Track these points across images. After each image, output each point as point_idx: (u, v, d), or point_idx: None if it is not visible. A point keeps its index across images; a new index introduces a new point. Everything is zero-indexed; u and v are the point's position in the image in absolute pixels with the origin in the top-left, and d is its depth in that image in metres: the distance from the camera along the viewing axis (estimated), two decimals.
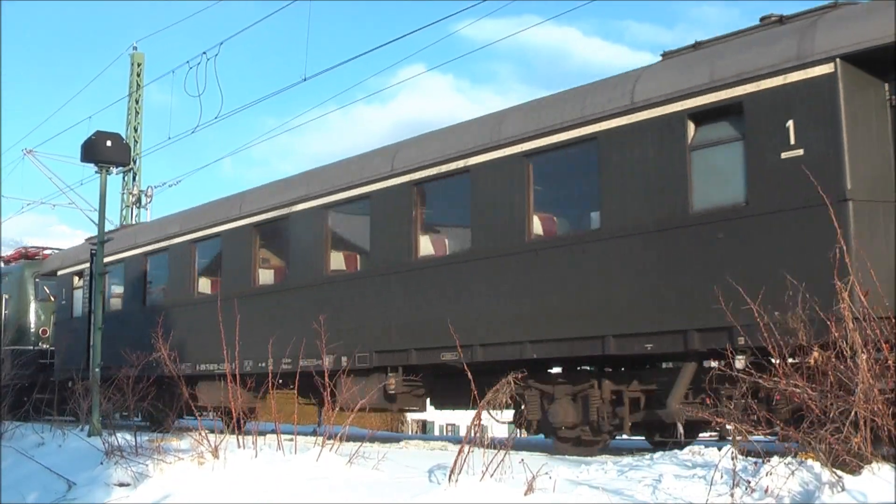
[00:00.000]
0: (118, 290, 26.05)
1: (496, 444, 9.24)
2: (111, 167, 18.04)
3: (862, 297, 8.07)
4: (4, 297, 31.24)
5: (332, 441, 11.00)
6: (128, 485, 10.65)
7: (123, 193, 42.20)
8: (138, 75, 43.14)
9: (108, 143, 17.21)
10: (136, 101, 43.19)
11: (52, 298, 30.16)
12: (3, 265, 34.41)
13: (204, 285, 22.63)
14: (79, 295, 26.93)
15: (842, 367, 7.90)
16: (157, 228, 25.14)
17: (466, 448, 9.05)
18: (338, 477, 9.97)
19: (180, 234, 23.10)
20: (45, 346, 30.44)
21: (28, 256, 33.30)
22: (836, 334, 8.02)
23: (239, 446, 11.05)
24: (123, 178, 41.82)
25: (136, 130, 42.99)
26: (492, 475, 8.77)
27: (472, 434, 9.44)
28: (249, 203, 20.92)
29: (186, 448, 11.34)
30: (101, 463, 11.66)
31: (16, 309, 31.21)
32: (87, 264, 24.72)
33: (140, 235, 25.56)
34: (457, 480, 8.77)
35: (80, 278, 27.15)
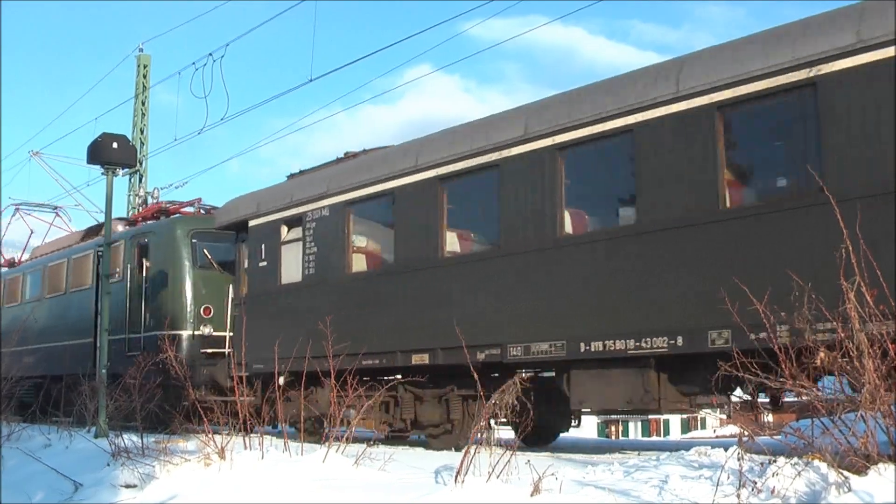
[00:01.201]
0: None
1: (502, 446, 9.25)
2: (117, 169, 18.09)
3: (868, 298, 8.05)
4: (146, 265, 23.50)
5: (338, 442, 11.01)
6: (134, 486, 10.68)
7: (129, 195, 42.26)
8: (144, 77, 43.20)
9: (115, 145, 17.27)
10: (143, 103, 43.25)
11: (214, 265, 22.88)
12: (136, 225, 26.33)
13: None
14: (293, 253, 18.72)
15: (848, 367, 7.90)
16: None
17: (473, 449, 9.05)
18: (344, 478, 9.98)
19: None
20: (208, 329, 22.26)
21: (169, 213, 25.61)
22: (843, 334, 8.02)
23: (245, 447, 11.07)
24: (129, 179, 41.89)
25: (142, 132, 43.05)
26: (498, 476, 8.78)
27: (479, 435, 9.45)
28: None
29: (193, 449, 11.36)
30: (108, 464, 11.69)
31: (163, 281, 23.01)
32: (310, 207, 18.24)
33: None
34: (463, 481, 8.78)
35: (292, 228, 18.88)
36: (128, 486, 10.74)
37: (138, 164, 39.25)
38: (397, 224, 16.26)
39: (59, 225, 36.80)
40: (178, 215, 25.04)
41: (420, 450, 16.25)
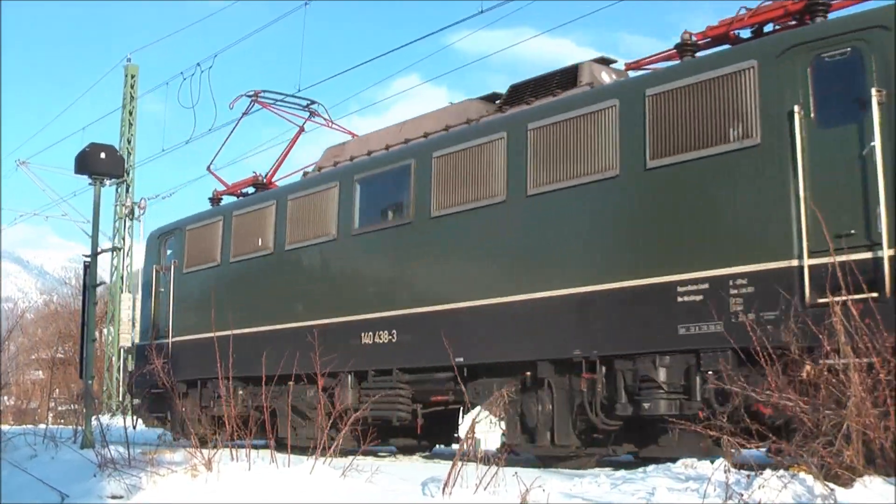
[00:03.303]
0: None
1: (490, 458, 9.26)
2: (105, 179, 18.03)
3: (855, 313, 8.12)
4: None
5: (326, 454, 11.01)
6: (121, 497, 10.64)
7: (116, 205, 42.24)
8: (132, 87, 43.25)
9: (102, 155, 17.18)
10: (130, 113, 43.29)
11: None
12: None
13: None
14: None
15: (834, 380, 7.96)
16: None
17: (460, 461, 9.06)
18: (331, 489, 9.98)
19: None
20: None
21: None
22: (829, 348, 8.09)
23: (232, 459, 11.05)
24: (116, 189, 41.87)
25: (129, 142, 43.05)
26: (485, 488, 8.78)
27: (466, 447, 9.46)
28: None
29: (180, 460, 11.34)
30: (94, 475, 11.65)
31: None
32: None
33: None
34: (450, 493, 8.78)
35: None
36: (114, 497, 10.70)
37: (125, 175, 39.20)
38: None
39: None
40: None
41: (408, 461, 16.26)
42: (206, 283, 21.21)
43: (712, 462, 9.22)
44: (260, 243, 20.01)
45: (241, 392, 18.92)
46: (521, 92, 16.04)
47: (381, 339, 16.59)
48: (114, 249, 43.45)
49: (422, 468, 13.57)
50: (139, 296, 25.43)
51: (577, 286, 13.44)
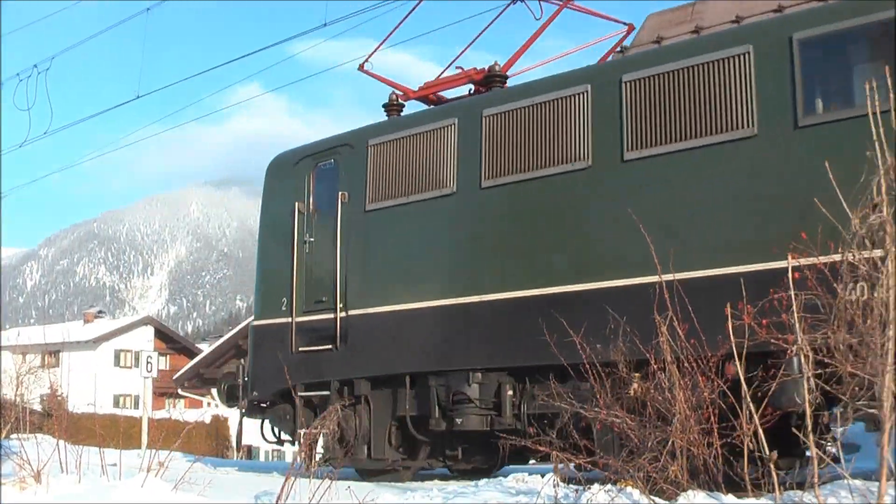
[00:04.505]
0: None
1: (323, 474, 9.24)
2: None
3: (680, 332, 8.38)
4: None
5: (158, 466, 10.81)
6: None
7: None
8: None
9: None
10: None
11: None
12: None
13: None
14: None
15: (660, 398, 8.21)
16: None
17: (293, 475, 9.02)
18: (161, 502, 9.81)
19: None
20: None
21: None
22: (655, 366, 8.33)
23: (62, 471, 10.76)
24: None
25: None
26: (318, 502, 8.76)
27: (300, 461, 9.42)
28: None
29: (9, 472, 10.99)
30: None
31: None
32: None
33: None
34: None
35: None
36: None
37: None
38: None
39: None
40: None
41: (241, 475, 16.05)
42: (421, 225, 13.93)
43: (543, 476, 9.38)
44: (556, 156, 12.47)
45: (510, 393, 12.74)
46: None
47: None
48: None
49: (256, 482, 13.45)
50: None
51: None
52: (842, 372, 6.48)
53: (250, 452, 54.13)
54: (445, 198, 13.45)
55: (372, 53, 16.33)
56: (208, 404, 55.84)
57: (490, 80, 14.32)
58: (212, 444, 44.44)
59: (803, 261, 7.63)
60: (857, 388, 6.43)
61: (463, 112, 13.65)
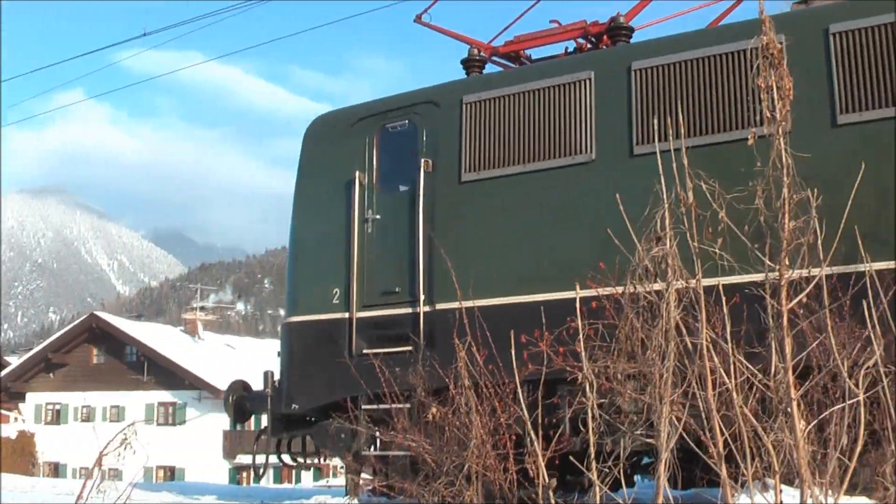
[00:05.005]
0: None
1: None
2: None
3: (479, 357, 8.47)
4: None
5: None
6: None
7: None
8: None
9: None
10: None
11: None
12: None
13: None
14: None
15: (457, 423, 8.29)
16: None
17: (87, 492, 8.75)
18: None
19: None
20: None
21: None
22: (454, 390, 8.41)
23: None
24: None
25: None
26: None
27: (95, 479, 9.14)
28: None
29: None
30: None
31: None
32: None
33: None
34: None
35: None
36: None
37: None
38: None
39: None
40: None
41: (39, 492, 15.50)
42: (542, 199, 11.44)
43: (344, 496, 9.39)
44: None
45: None
46: None
47: None
48: None
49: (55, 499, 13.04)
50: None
51: None
52: (619, 402, 6.65)
53: (57, 470, 52.42)
54: (579, 167, 11.16)
55: (433, 3, 13.79)
56: (14, 419, 54.00)
57: (615, 33, 12.17)
58: (17, 459, 43.01)
59: (591, 292, 7.83)
60: (635, 418, 6.61)
61: (602, 65, 11.42)
